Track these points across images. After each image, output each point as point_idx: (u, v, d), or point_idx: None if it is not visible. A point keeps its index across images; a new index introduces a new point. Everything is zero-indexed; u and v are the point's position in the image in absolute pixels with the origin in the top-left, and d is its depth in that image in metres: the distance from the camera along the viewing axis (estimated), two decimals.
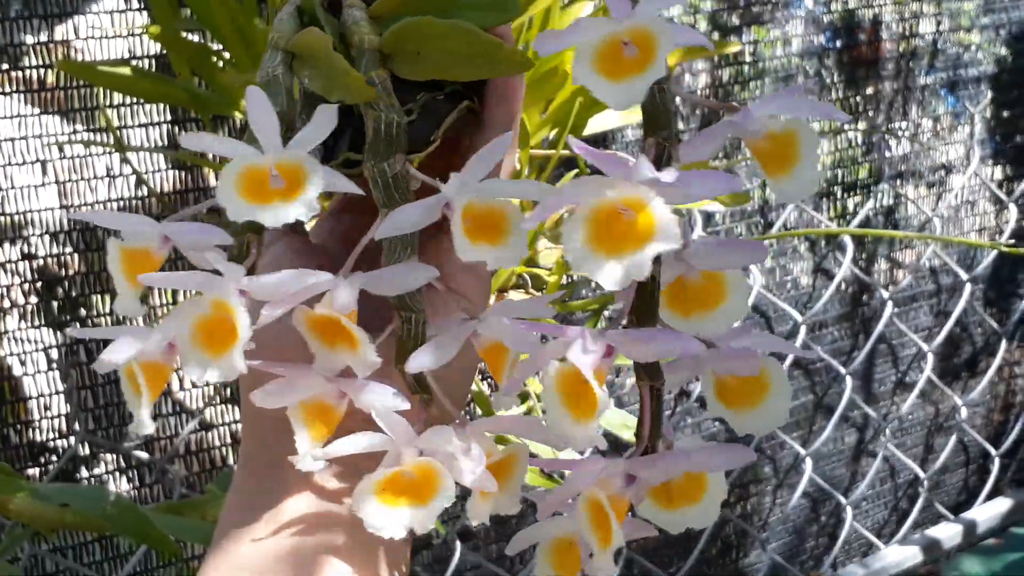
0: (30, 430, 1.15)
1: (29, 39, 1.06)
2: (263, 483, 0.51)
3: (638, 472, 0.47)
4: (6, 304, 1.11)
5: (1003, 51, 1.81)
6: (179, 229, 0.48)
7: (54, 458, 1.16)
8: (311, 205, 0.44)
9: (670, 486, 0.49)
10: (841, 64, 1.65)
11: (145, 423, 0.47)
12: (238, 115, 1.06)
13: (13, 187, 1.08)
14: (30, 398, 1.14)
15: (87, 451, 1.19)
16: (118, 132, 1.09)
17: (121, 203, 1.12)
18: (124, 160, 1.09)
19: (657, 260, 0.44)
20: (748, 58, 1.55)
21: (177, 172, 1.13)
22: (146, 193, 1.11)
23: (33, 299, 1.12)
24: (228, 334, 0.44)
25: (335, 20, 0.54)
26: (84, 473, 1.19)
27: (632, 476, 0.47)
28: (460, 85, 0.57)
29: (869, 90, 1.68)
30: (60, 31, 1.07)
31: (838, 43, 1.64)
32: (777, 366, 0.49)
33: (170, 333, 0.46)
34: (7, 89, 1.07)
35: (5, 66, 1.06)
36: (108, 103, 1.10)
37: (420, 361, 0.48)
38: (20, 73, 1.07)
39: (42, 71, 1.08)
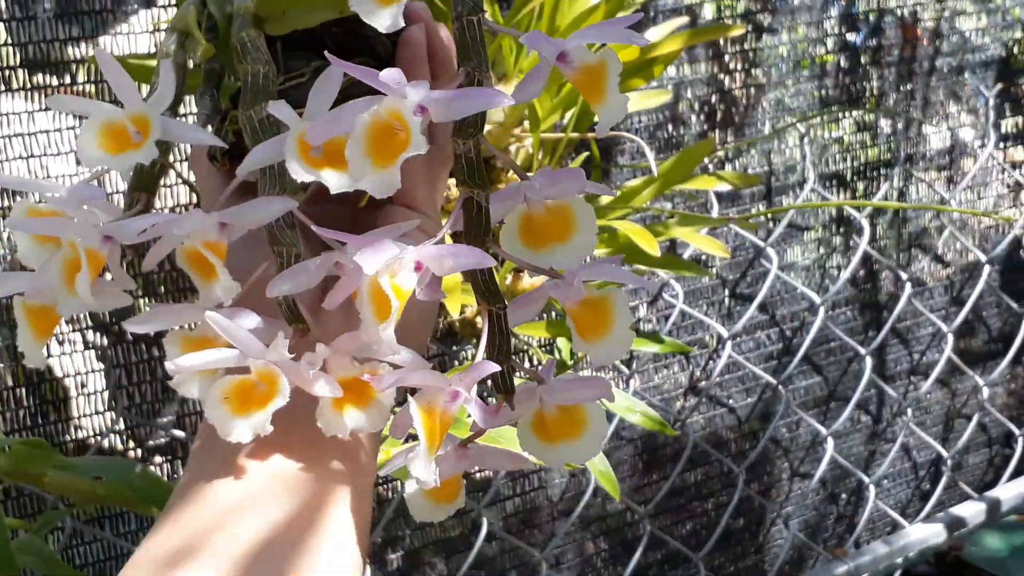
0: (68, 407, 1.20)
1: (61, 35, 1.11)
2: (221, 448, 0.53)
3: (457, 385, 0.49)
4: None
5: (1015, 34, 1.83)
6: (75, 191, 0.54)
7: (92, 435, 1.22)
8: (151, 151, 0.51)
9: (547, 421, 0.53)
10: (853, 49, 1.67)
11: (35, 358, 0.54)
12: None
13: (49, 176, 1.14)
14: (67, 376, 1.19)
15: (124, 427, 1.24)
16: None
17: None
18: None
19: (481, 185, 0.50)
20: (756, 44, 1.58)
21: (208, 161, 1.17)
22: (175, 180, 1.17)
23: None
24: (76, 271, 0.50)
25: (228, 3, 0.60)
26: (121, 449, 1.24)
27: (456, 392, 0.49)
28: (370, 57, 0.61)
29: (884, 75, 1.70)
30: (90, 28, 1.12)
31: (849, 28, 1.66)
32: (621, 300, 0.53)
33: (47, 275, 0.52)
34: (41, 83, 1.12)
35: (39, 61, 1.12)
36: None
37: (277, 287, 0.51)
38: (53, 69, 1.13)
39: (74, 66, 1.13)
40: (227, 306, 0.52)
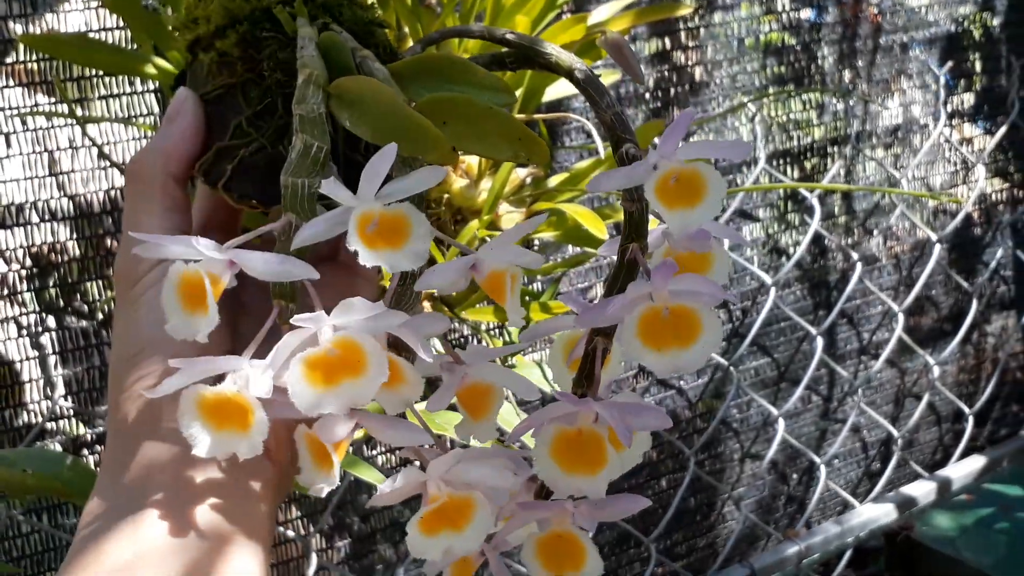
0: (7, 394, 1.18)
1: (1, 12, 1.08)
2: (128, 491, 0.52)
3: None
4: (4, 292, 1.15)
5: (965, 9, 1.82)
6: (254, 259, 0.49)
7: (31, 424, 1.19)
8: (423, 255, 0.48)
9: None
10: (807, 27, 1.66)
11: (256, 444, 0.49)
12: None
13: None
14: (2, 363, 1.17)
15: (69, 414, 1.21)
16: (75, 105, 1.12)
17: (84, 174, 1.14)
18: (84, 132, 1.12)
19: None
20: (710, 21, 1.56)
21: (137, 143, 1.15)
22: (108, 164, 1.14)
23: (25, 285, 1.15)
24: (357, 367, 0.47)
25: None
26: (74, 434, 1.22)
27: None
28: None
29: (836, 52, 1.69)
30: (17, 6, 1.09)
31: (802, 5, 1.65)
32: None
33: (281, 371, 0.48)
34: None
35: None
36: (68, 75, 1.12)
37: (435, 406, 0.54)
38: None
39: (3, 46, 1.10)
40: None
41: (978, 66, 1.87)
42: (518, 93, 1.17)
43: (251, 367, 0.48)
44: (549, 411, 0.51)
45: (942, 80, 1.80)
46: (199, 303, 0.48)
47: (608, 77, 1.29)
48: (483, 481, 0.51)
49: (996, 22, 1.86)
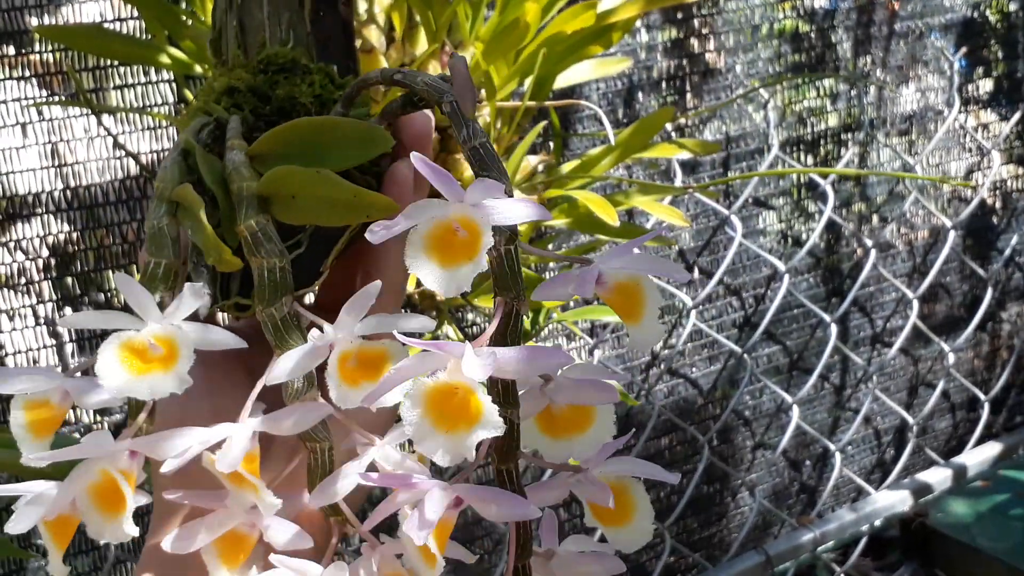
0: None
1: (4, 5, 1.09)
2: None
3: None
4: (22, 281, 1.16)
5: None
6: (75, 386, 0.49)
7: None
8: (183, 379, 0.47)
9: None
10: (824, 13, 1.66)
11: (58, 569, 0.51)
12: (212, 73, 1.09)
13: None
14: (18, 352, 1.18)
15: (85, 411, 1.22)
16: (90, 95, 1.13)
17: (100, 163, 1.15)
18: (100, 122, 1.13)
19: (513, 402, 0.48)
20: (724, 7, 1.56)
21: (152, 132, 1.16)
22: (124, 154, 1.15)
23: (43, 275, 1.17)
24: (118, 500, 0.47)
25: (217, 161, 0.56)
26: (87, 422, 1.23)
27: None
28: None
29: (853, 38, 1.69)
30: None
31: None
32: (641, 491, 0.52)
33: (71, 494, 0.48)
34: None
35: None
36: (84, 66, 1.13)
37: (326, 495, 0.51)
38: (11, 39, 1.10)
39: (19, 37, 1.11)
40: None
41: (995, 52, 1.86)
42: (528, 81, 1.18)
43: None
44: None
45: (956, 66, 1.79)
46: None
47: (621, 64, 1.30)
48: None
49: (1014, 7, 1.85)
